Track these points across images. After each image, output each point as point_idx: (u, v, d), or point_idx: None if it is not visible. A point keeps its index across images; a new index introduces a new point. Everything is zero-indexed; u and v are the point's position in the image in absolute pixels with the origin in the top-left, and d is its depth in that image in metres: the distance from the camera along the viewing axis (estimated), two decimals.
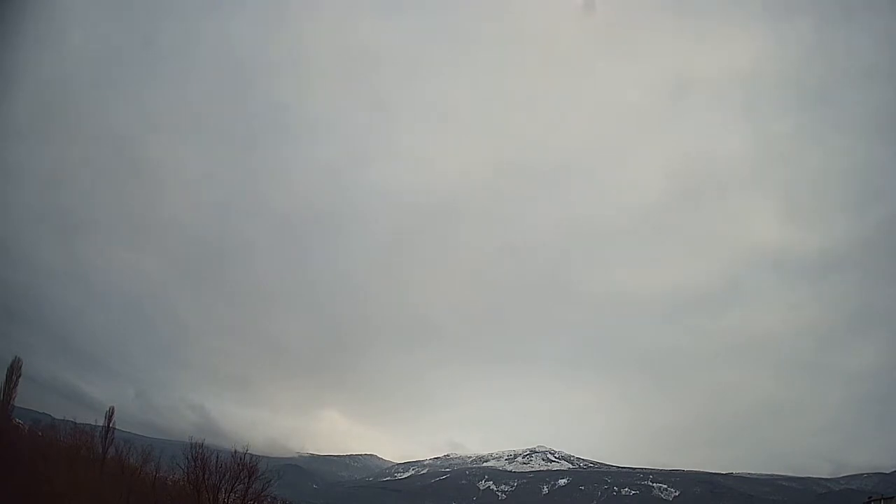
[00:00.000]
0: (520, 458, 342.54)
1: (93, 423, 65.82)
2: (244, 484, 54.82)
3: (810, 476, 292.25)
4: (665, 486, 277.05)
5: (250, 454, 57.17)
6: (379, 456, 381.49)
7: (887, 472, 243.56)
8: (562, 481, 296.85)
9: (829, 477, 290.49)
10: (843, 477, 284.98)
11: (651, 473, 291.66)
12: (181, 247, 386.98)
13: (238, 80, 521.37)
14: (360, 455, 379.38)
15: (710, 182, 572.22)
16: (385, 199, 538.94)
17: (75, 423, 65.63)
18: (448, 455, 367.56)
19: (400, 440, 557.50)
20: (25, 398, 71.34)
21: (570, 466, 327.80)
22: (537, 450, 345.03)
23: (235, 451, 56.27)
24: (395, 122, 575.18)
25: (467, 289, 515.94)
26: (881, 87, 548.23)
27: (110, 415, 64.57)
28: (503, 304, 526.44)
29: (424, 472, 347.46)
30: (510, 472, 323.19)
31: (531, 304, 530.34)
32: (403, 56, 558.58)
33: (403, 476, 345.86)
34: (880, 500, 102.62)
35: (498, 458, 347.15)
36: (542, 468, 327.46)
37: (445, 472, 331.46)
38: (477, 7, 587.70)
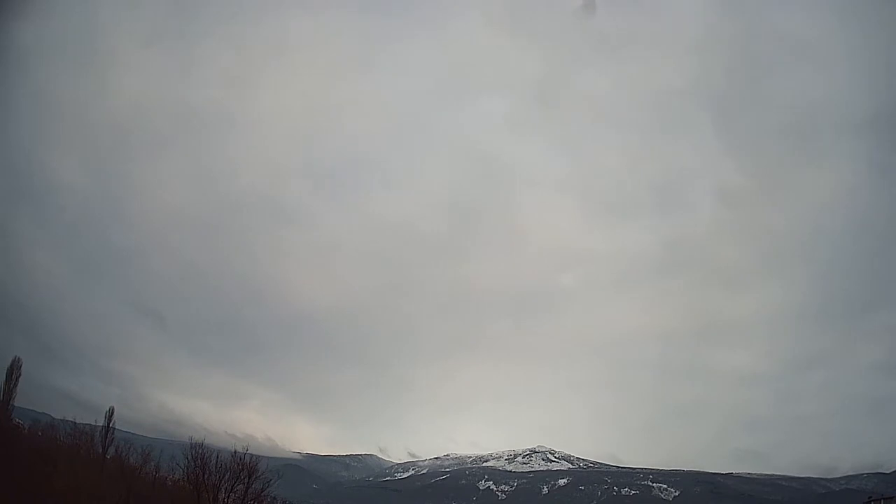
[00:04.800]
0: (520, 458, 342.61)
1: (93, 423, 65.78)
2: (244, 484, 54.91)
3: (810, 476, 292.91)
4: (665, 486, 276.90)
5: (250, 454, 57.32)
6: (379, 456, 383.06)
7: (887, 472, 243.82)
8: (562, 481, 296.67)
9: (829, 477, 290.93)
10: (843, 477, 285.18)
11: (651, 473, 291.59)
12: (84, 250, 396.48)
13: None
14: (360, 455, 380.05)
15: (515, 182, 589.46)
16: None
17: (75, 423, 65.62)
18: (448, 455, 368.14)
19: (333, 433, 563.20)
20: (25, 398, 71.18)
21: (570, 466, 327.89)
22: (537, 450, 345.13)
23: (235, 451, 56.42)
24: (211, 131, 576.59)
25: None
26: (680, 87, 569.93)
27: (110, 415, 64.45)
28: (357, 303, 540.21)
29: (424, 472, 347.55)
30: (510, 472, 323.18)
31: (383, 302, 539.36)
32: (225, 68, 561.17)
33: (403, 476, 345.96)
34: (880, 500, 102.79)
35: (498, 458, 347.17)
36: (542, 468, 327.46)
37: (445, 472, 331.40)
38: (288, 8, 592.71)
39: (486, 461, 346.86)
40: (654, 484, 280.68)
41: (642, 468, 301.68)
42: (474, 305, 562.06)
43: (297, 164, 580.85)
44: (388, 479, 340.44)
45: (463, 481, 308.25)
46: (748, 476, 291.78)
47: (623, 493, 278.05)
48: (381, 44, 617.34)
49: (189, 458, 53.94)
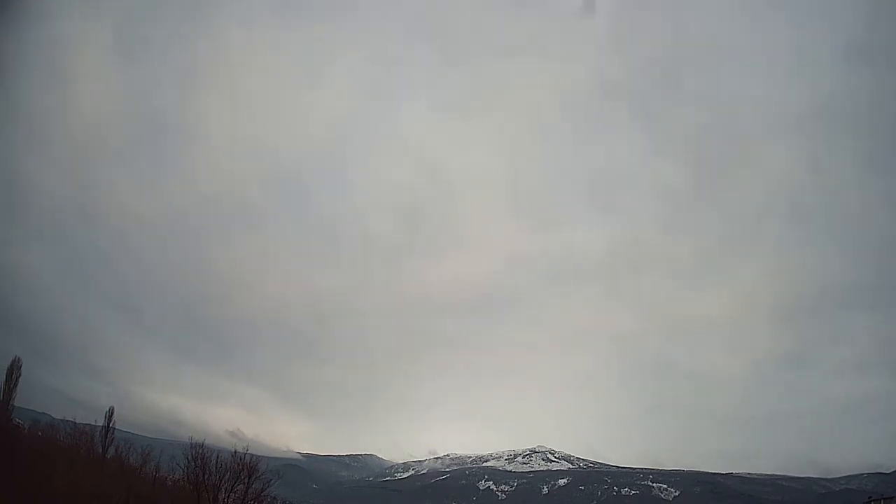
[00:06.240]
0: (520, 458, 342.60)
1: (93, 423, 65.84)
2: (244, 484, 54.84)
3: (810, 476, 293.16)
4: (665, 486, 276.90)
5: (250, 454, 57.31)
6: (379, 456, 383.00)
7: (887, 472, 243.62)
8: (562, 481, 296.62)
9: (829, 477, 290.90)
10: (843, 477, 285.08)
11: (651, 473, 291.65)
12: (73, 253, 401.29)
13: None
14: (360, 455, 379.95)
15: (457, 184, 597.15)
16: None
17: (75, 423, 65.77)
18: (448, 455, 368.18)
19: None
20: (25, 398, 71.22)
21: (570, 466, 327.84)
22: (537, 450, 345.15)
23: (235, 451, 56.39)
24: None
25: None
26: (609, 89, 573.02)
27: (110, 415, 64.65)
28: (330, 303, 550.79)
29: (424, 472, 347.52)
30: (510, 472, 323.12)
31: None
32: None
33: (403, 476, 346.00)
34: (880, 500, 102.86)
35: (498, 458, 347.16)
36: (542, 468, 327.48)
37: (445, 472, 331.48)
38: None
39: (486, 461, 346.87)
40: (654, 484, 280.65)
41: (642, 468, 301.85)
42: (434, 306, 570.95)
43: (260, 168, 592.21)
44: (388, 479, 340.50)
45: (463, 481, 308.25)
46: (748, 476, 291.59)
47: (623, 493, 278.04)
48: (323, 53, 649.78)
49: (189, 458, 53.90)
